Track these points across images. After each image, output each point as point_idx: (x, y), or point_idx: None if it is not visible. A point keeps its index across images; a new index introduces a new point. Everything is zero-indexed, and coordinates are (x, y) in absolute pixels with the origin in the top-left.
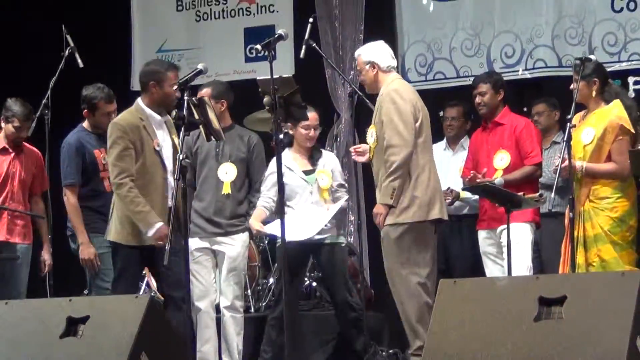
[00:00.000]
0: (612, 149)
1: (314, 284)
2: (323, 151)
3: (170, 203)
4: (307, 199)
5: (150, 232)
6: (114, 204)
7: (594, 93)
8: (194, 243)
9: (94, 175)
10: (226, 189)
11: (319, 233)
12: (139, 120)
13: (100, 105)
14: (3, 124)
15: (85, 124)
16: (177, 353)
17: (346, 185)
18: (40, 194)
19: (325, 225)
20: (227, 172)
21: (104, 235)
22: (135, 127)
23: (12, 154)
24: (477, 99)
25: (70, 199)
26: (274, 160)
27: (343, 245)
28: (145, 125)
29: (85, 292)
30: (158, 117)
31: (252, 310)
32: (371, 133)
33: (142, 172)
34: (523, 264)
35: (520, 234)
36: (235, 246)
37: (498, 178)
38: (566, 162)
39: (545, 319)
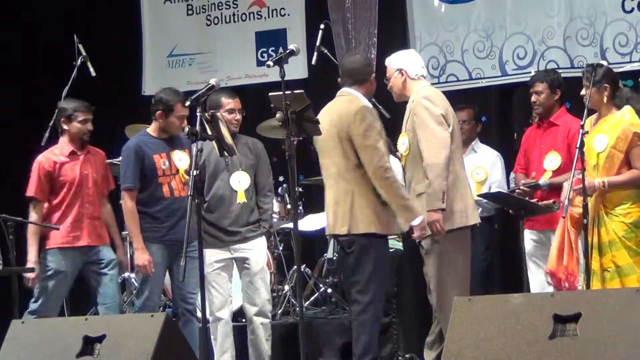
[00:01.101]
0: (631, 156)
1: (329, 290)
2: None
3: None
4: None
5: (416, 222)
6: (351, 195)
7: (605, 99)
8: (211, 254)
9: (152, 180)
10: (241, 198)
11: None
12: None
13: (177, 108)
14: (65, 127)
15: (151, 128)
16: None
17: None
18: (107, 195)
19: None
20: (240, 181)
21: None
22: None
23: (82, 156)
24: (533, 98)
25: (127, 203)
26: None
27: (391, 250)
28: None
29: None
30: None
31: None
32: (403, 141)
33: None
34: None
35: None
36: (257, 250)
37: (543, 179)
38: (579, 184)
39: (560, 337)
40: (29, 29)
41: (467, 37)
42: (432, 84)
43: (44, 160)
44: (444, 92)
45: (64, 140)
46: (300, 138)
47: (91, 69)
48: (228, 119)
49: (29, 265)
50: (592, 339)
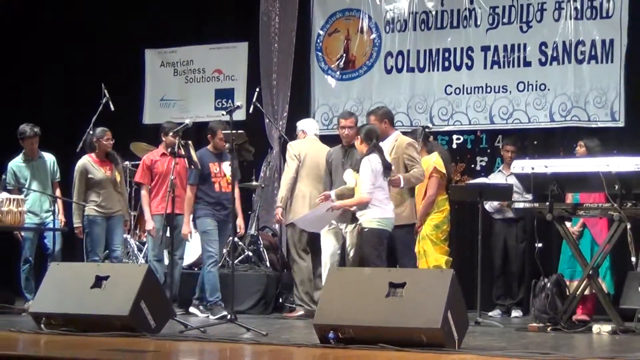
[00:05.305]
0: (428, 183)
1: (250, 253)
2: None
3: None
4: None
5: None
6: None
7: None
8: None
9: (208, 179)
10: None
11: None
12: None
13: (218, 133)
14: (163, 139)
15: (209, 146)
16: (164, 304)
17: None
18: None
19: None
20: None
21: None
22: None
23: (169, 157)
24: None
25: (188, 194)
26: None
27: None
28: None
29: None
30: None
31: None
32: None
33: None
34: None
35: None
36: None
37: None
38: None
39: (392, 296)
40: (63, 75)
41: (347, 102)
42: (323, 129)
43: (146, 158)
44: (330, 136)
45: (162, 146)
46: (241, 160)
47: (111, 105)
48: (340, 132)
49: (148, 223)
50: (411, 299)
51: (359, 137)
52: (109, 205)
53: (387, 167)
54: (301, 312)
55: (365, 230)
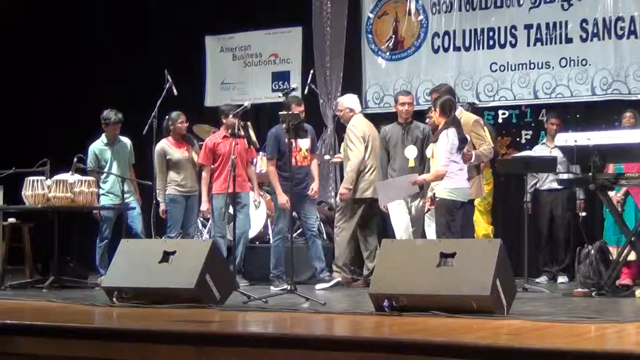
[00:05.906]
0: None
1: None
2: None
3: None
4: None
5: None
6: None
7: None
8: None
9: (285, 154)
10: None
11: None
12: None
13: (292, 107)
14: (224, 121)
15: None
16: (227, 277)
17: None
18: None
19: None
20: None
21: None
22: None
23: (230, 139)
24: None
25: (269, 167)
26: None
27: None
28: None
29: None
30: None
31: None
32: (343, 147)
33: None
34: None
35: None
36: None
37: None
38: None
39: (443, 266)
40: (127, 62)
41: (397, 82)
42: (374, 107)
43: (208, 140)
44: (380, 114)
45: (222, 129)
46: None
47: (174, 90)
48: (399, 109)
49: (204, 204)
50: (462, 268)
51: (435, 109)
52: (189, 185)
53: (462, 140)
54: (338, 279)
55: (437, 200)
